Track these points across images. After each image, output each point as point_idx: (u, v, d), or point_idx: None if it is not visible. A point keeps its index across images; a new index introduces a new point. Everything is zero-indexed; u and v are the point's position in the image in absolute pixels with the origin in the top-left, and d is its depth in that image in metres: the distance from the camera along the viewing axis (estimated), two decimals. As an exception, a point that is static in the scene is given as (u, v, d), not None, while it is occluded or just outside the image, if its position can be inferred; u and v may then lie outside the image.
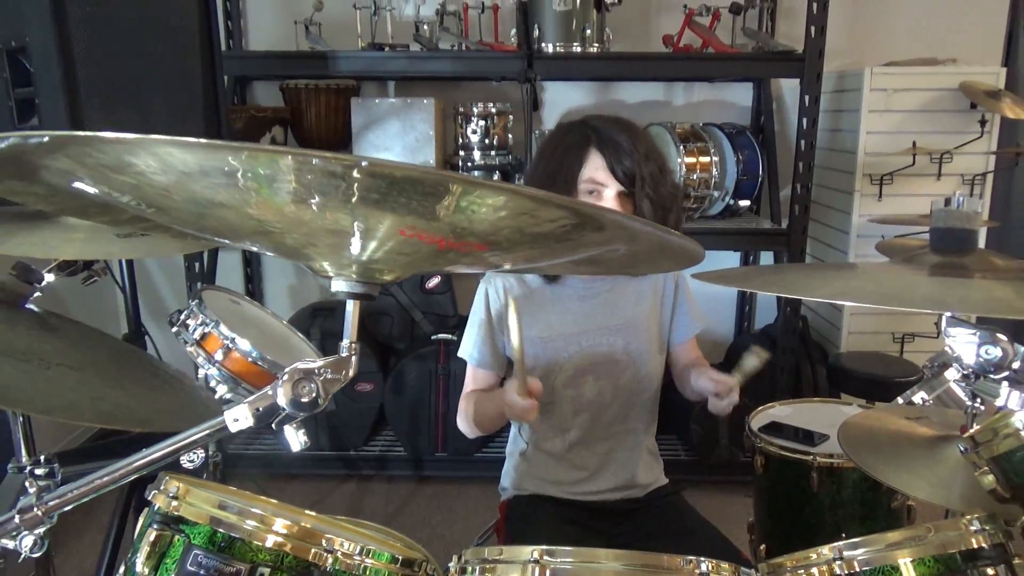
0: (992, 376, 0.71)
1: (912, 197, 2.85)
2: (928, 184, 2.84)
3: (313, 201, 0.56)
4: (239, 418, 0.62)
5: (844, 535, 1.75)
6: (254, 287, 3.43)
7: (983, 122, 2.67)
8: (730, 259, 3.42)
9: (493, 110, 2.85)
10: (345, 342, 0.69)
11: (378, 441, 3.15)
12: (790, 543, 1.87)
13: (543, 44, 2.70)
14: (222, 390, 1.67)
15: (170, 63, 1.93)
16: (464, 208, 0.56)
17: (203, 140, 0.52)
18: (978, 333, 0.71)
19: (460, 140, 2.89)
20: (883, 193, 2.85)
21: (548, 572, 0.83)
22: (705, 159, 2.83)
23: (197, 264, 2.88)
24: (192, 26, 1.96)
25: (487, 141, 2.86)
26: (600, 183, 1.46)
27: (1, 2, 1.74)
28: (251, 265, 3.41)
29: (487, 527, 2.30)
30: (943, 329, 0.70)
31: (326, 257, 0.66)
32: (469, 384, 1.65)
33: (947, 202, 0.79)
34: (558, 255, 0.73)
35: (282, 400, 0.62)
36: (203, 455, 1.54)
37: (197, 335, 1.63)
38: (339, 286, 0.70)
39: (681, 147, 2.80)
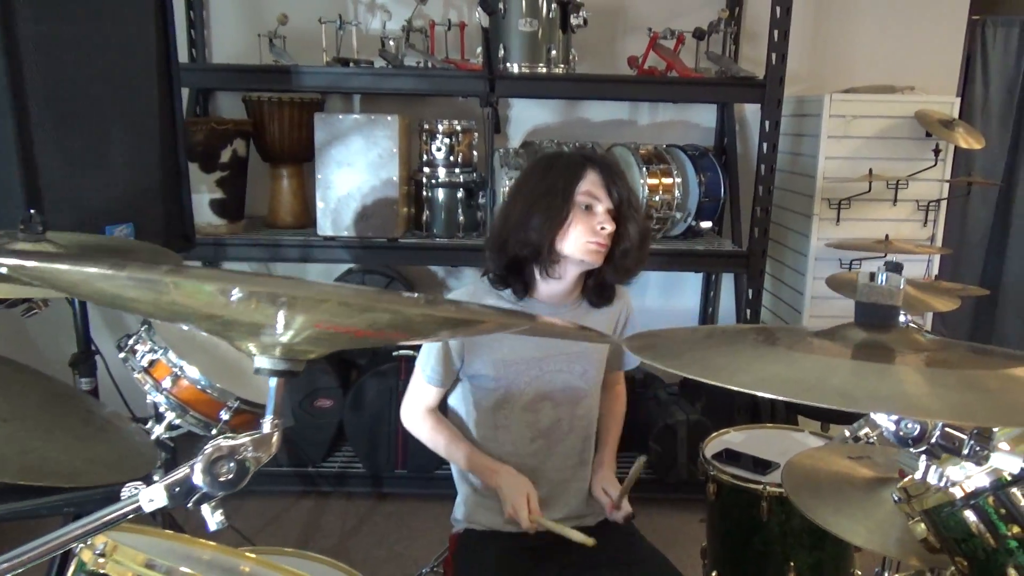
0: (911, 449, 0.73)
1: (869, 222, 2.90)
2: (884, 209, 2.90)
3: (231, 306, 0.55)
4: (154, 498, 0.61)
5: (792, 564, 1.78)
6: (214, 299, 3.38)
7: (937, 151, 2.73)
8: (692, 280, 3.46)
9: (458, 127, 2.84)
10: (268, 418, 0.67)
11: (337, 457, 3.12)
12: (740, 570, 1.90)
13: (508, 64, 2.70)
14: (171, 416, 1.65)
15: (126, 80, 1.90)
16: (379, 311, 0.57)
17: (121, 271, 0.52)
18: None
19: (425, 156, 2.88)
20: (841, 217, 2.90)
21: None
22: (668, 180, 2.85)
23: (154, 277, 2.83)
24: (149, 41, 1.93)
25: (452, 158, 2.86)
26: (596, 197, 1.53)
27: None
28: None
29: (436, 559, 2.30)
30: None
31: (247, 340, 0.66)
32: (416, 396, 1.69)
33: (871, 277, 0.80)
34: (481, 332, 0.73)
35: (199, 479, 0.60)
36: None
37: (145, 362, 1.61)
38: (261, 363, 0.69)
39: (644, 168, 2.82)
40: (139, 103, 1.94)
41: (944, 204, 2.90)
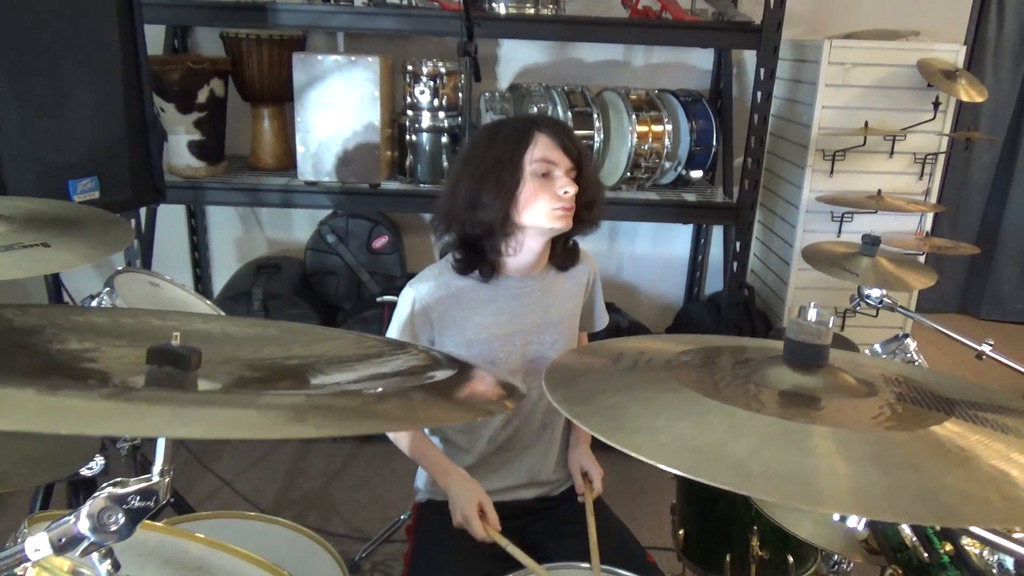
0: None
1: (864, 174, 2.83)
2: (880, 162, 2.82)
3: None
4: (39, 548, 0.59)
5: (756, 527, 1.80)
6: (199, 239, 3.36)
7: (936, 104, 2.63)
8: (682, 234, 3.41)
9: (443, 69, 2.75)
10: (156, 467, 0.64)
11: (323, 400, 3.15)
12: (706, 532, 1.92)
13: (495, 4, 2.59)
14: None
15: (84, 26, 1.82)
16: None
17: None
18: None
19: (408, 99, 2.79)
20: (835, 169, 2.82)
21: None
22: (658, 128, 2.77)
23: (133, 220, 2.80)
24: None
25: (436, 102, 2.77)
26: (553, 161, 1.46)
27: None
28: (195, 217, 3.32)
29: (394, 524, 2.33)
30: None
31: None
32: None
33: (800, 312, 0.76)
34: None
35: (84, 528, 0.58)
36: (102, 462, 1.52)
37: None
38: None
39: (634, 115, 2.74)
40: (100, 49, 1.86)
41: (942, 158, 2.81)
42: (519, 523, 1.59)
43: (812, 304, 0.75)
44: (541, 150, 1.46)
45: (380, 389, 0.63)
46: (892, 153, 2.80)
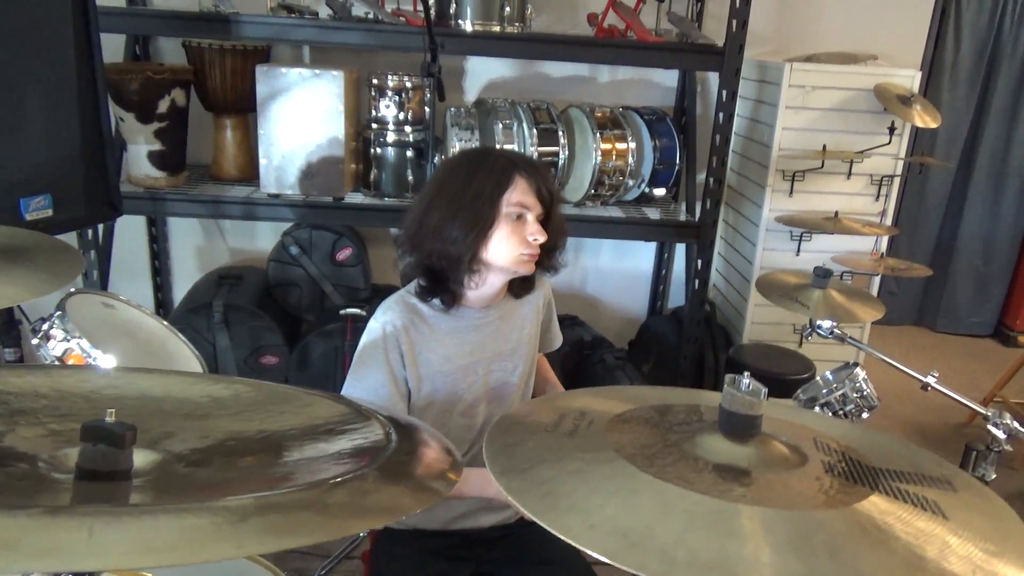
0: None
1: (822, 195, 2.88)
2: (838, 183, 2.88)
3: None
4: None
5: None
6: (159, 248, 3.31)
7: (892, 129, 2.69)
8: (646, 248, 3.44)
9: (408, 84, 2.74)
10: None
11: (284, 413, 3.12)
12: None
13: (461, 21, 2.59)
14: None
15: (37, 39, 1.78)
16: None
17: None
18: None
19: (374, 112, 2.78)
20: (794, 189, 2.87)
21: None
22: (622, 146, 2.80)
23: (90, 231, 2.75)
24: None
25: (401, 115, 2.77)
26: (527, 207, 1.46)
27: None
28: (156, 225, 3.28)
29: (352, 541, 2.30)
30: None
31: None
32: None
33: (733, 381, 0.78)
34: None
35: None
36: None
37: (58, 351, 1.57)
38: None
39: (598, 133, 2.76)
40: (54, 63, 1.82)
41: (898, 180, 2.88)
42: (475, 552, 1.60)
43: (746, 374, 0.77)
44: (519, 194, 1.46)
45: (335, 478, 0.61)
46: (850, 175, 2.86)
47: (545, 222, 1.52)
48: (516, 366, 1.66)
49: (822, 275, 1.71)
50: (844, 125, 2.79)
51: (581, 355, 3.21)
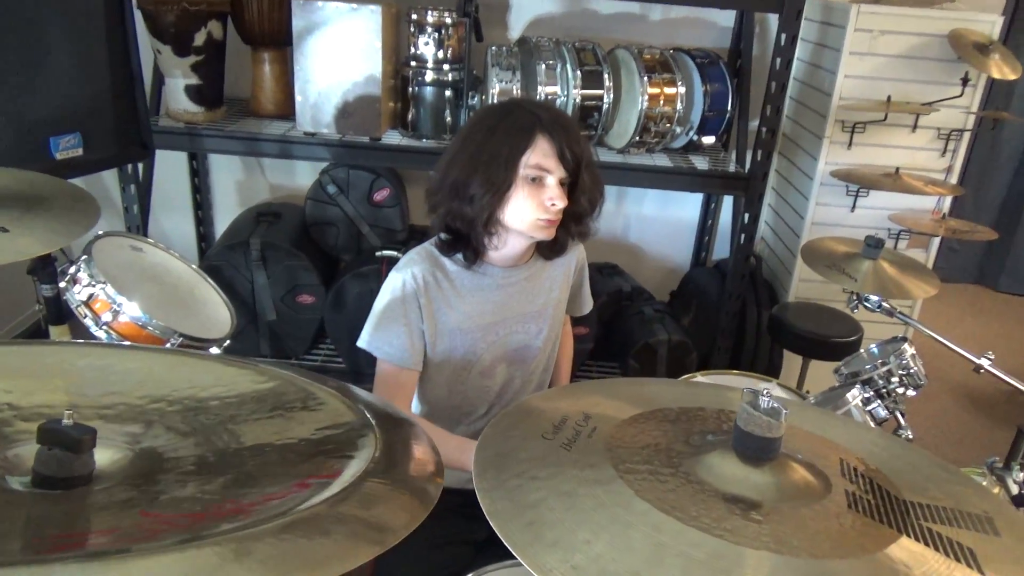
0: None
1: (884, 148, 2.71)
2: (902, 136, 2.70)
3: None
4: None
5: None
6: (200, 183, 3.31)
7: (965, 80, 2.49)
8: (692, 197, 3.31)
9: (448, 20, 2.63)
10: None
11: (320, 351, 3.15)
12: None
13: (504, -47, 2.46)
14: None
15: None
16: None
17: None
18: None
19: (412, 49, 2.69)
20: (854, 142, 2.70)
21: None
22: (671, 91, 2.65)
23: (129, 166, 2.75)
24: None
25: (440, 54, 2.67)
26: (546, 169, 1.39)
27: None
28: (197, 160, 3.27)
29: None
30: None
31: None
32: (396, 391, 1.49)
33: (755, 404, 0.71)
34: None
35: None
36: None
37: (84, 296, 1.57)
38: None
39: (646, 77, 2.62)
40: (80, 1, 1.78)
41: (967, 135, 2.68)
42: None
43: (765, 391, 0.70)
44: (538, 156, 1.38)
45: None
46: (915, 128, 2.67)
47: (571, 186, 1.44)
48: (540, 330, 1.61)
49: (874, 245, 1.60)
50: (912, 74, 2.60)
51: (619, 305, 3.15)
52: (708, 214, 3.32)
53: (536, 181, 1.40)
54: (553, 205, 1.39)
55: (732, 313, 2.90)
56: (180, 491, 0.54)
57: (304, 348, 3.10)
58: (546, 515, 0.61)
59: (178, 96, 2.70)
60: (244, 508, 0.52)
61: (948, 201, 2.79)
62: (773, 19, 2.88)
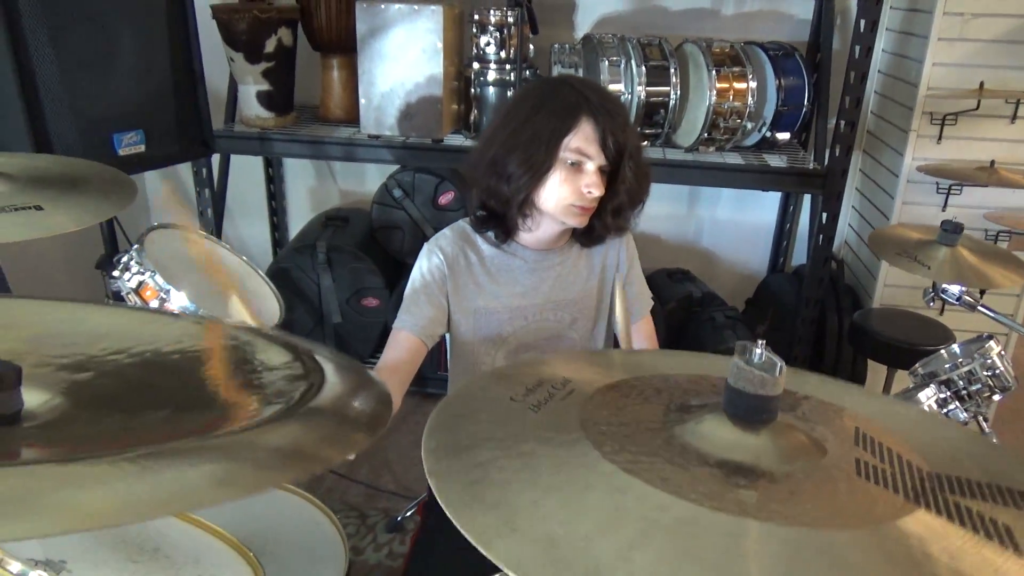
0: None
1: (978, 142, 2.50)
2: (999, 128, 2.48)
3: None
4: None
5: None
6: (275, 188, 3.40)
7: (1070, 63, 2.27)
8: (769, 200, 3.16)
9: (511, 19, 2.60)
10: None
11: (385, 354, 3.16)
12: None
13: (565, -52, 2.42)
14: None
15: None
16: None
17: None
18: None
19: (475, 51, 2.68)
20: (944, 135, 2.51)
21: None
22: (741, 85, 2.54)
23: (205, 169, 2.84)
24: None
25: (503, 54, 2.64)
26: (587, 155, 1.33)
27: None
28: (272, 166, 3.36)
29: (414, 504, 2.35)
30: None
31: None
32: (390, 350, 1.48)
33: (746, 353, 0.62)
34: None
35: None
36: None
37: (133, 283, 1.60)
38: None
39: (714, 71, 2.51)
40: (144, 4, 1.84)
41: (1076, 124, 2.44)
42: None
43: (760, 342, 0.61)
44: (580, 140, 1.32)
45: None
46: (1014, 118, 2.45)
47: (613, 176, 1.37)
48: (575, 319, 1.54)
49: (951, 230, 1.45)
50: (1009, 60, 2.39)
51: (689, 312, 3.02)
52: (786, 217, 3.16)
53: (575, 166, 1.34)
54: (589, 193, 1.32)
55: (809, 320, 2.73)
56: (108, 427, 0.52)
57: (369, 350, 3.11)
58: (493, 475, 0.54)
59: (250, 102, 2.78)
60: (167, 437, 0.49)
61: (1054, 200, 2.55)
62: (853, 9, 2.73)
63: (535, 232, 1.44)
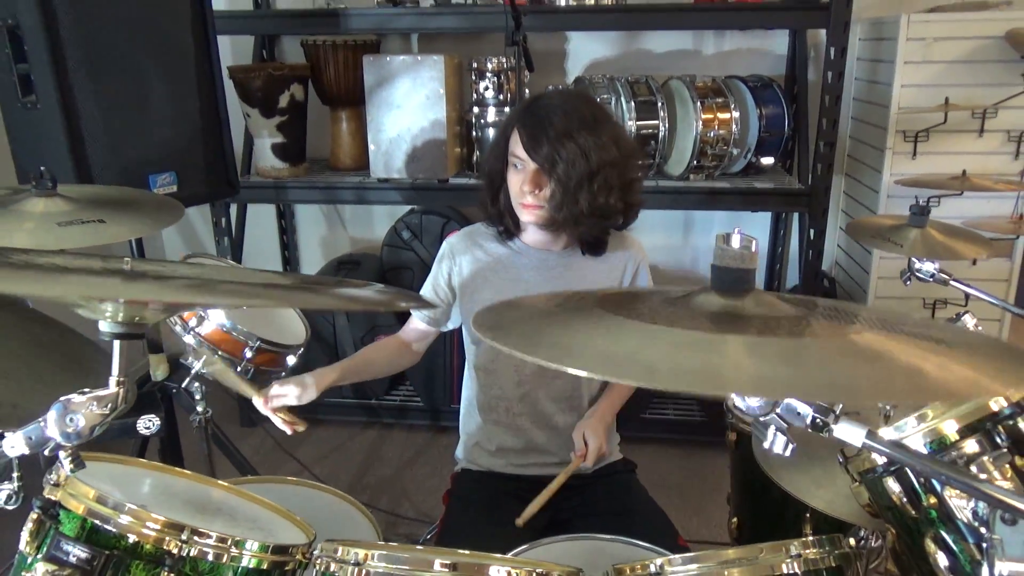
0: (760, 420, 0.69)
1: (950, 155, 2.67)
2: (968, 141, 2.65)
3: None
4: (15, 445, 0.68)
5: (809, 515, 1.73)
6: (288, 238, 3.55)
7: (1027, 75, 2.46)
8: (760, 225, 3.31)
9: (507, 65, 2.80)
10: (112, 378, 0.71)
11: (399, 392, 3.26)
12: (758, 519, 1.87)
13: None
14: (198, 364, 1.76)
15: (160, 31, 1.99)
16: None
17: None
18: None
19: (475, 96, 2.87)
20: (917, 151, 2.67)
21: (365, 572, 0.88)
22: (725, 115, 2.72)
23: (224, 219, 3.00)
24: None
25: (501, 97, 2.83)
26: (521, 158, 1.50)
27: (-2, -21, 1.83)
28: (284, 217, 3.52)
29: (433, 527, 2.42)
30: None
31: (85, 310, 0.70)
32: (402, 329, 1.77)
33: (726, 239, 0.75)
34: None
35: (51, 430, 0.67)
36: (158, 422, 1.65)
37: (173, 303, 1.73)
38: (104, 328, 0.73)
39: (699, 103, 2.69)
40: (175, 54, 2.03)
41: (1040, 135, 2.61)
42: (551, 500, 1.60)
43: (736, 229, 0.74)
44: (514, 145, 1.50)
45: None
46: (982, 131, 2.63)
47: (554, 182, 1.46)
48: None
49: (918, 212, 1.59)
50: (972, 78, 2.58)
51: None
52: (778, 241, 3.31)
53: (517, 168, 1.50)
54: (525, 191, 1.47)
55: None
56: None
57: (384, 389, 3.22)
58: (542, 331, 0.67)
59: (265, 154, 2.96)
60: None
61: (1029, 207, 2.69)
62: (824, 41, 2.93)
63: (527, 231, 1.59)
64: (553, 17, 2.63)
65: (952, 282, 1.55)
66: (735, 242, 0.74)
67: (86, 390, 0.69)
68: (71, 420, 0.67)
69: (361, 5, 2.77)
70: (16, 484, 1.16)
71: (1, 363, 1.01)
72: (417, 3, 2.81)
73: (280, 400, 1.48)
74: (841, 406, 0.66)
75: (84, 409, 0.67)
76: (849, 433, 0.66)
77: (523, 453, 1.66)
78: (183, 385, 1.82)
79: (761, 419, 0.68)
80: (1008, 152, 2.65)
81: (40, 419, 0.67)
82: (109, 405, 0.69)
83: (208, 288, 0.66)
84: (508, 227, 1.59)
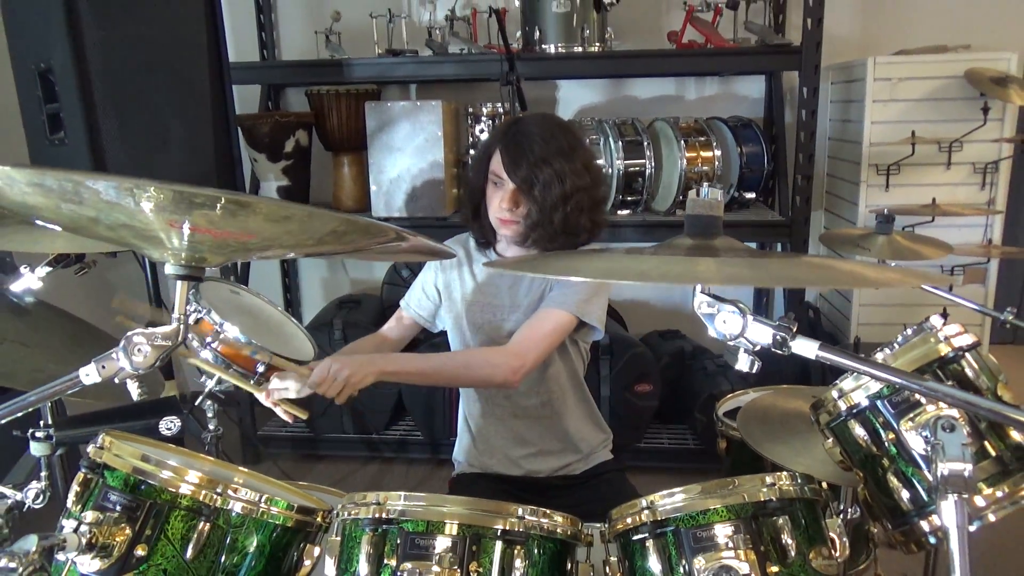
0: (730, 344, 0.80)
1: (921, 187, 2.83)
2: (937, 173, 2.82)
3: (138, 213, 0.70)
4: (89, 374, 0.78)
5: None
6: (291, 281, 3.67)
7: (985, 110, 2.63)
8: (741, 251, 3.45)
9: (500, 110, 2.97)
10: (174, 314, 0.82)
11: (399, 426, 3.33)
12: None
13: (544, 46, 2.81)
14: (213, 380, 1.86)
15: (180, 76, 2.14)
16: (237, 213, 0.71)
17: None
18: (718, 306, 0.80)
19: (471, 139, 3.03)
20: (890, 183, 2.83)
21: (384, 512, 0.98)
22: (707, 153, 2.88)
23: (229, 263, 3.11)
24: (199, 41, 2.17)
25: (496, 139, 2.99)
26: (501, 177, 1.62)
27: (32, 26, 1.98)
28: (287, 262, 3.64)
29: None
30: (693, 303, 0.80)
31: (155, 250, 0.80)
32: (389, 322, 1.92)
33: (697, 193, 0.88)
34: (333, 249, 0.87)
35: (122, 360, 0.76)
36: (179, 424, 1.73)
37: (192, 319, 1.83)
38: (169, 270, 0.83)
39: (683, 142, 2.86)
40: (193, 96, 2.17)
41: (1004, 165, 2.78)
42: (544, 498, 1.68)
43: (705, 184, 0.86)
44: (494, 164, 1.62)
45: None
46: (949, 164, 2.79)
47: (530, 199, 1.58)
48: (519, 321, 1.69)
49: (884, 220, 1.72)
50: (936, 115, 2.75)
51: (683, 365, 3.23)
52: (763, 275, 3.43)
53: (496, 185, 1.63)
54: (503, 207, 1.59)
55: (793, 362, 2.94)
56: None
57: (384, 423, 3.28)
58: (551, 262, 0.81)
59: (271, 197, 3.10)
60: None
61: (998, 233, 2.84)
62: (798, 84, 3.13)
63: (502, 242, 1.72)
64: (544, 64, 2.81)
65: (924, 288, 1.67)
66: (704, 193, 0.87)
67: (152, 327, 0.79)
68: (139, 350, 0.77)
69: (363, 56, 2.94)
70: (44, 483, 1.25)
71: (44, 347, 1.11)
72: (416, 53, 2.99)
73: (280, 393, 1.57)
74: (796, 326, 0.77)
75: (149, 342, 0.77)
76: (804, 347, 0.77)
77: (513, 452, 1.74)
78: (196, 403, 1.92)
79: (731, 343, 0.79)
80: (975, 183, 2.81)
81: (113, 352, 0.76)
82: (173, 340, 0.79)
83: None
84: (488, 238, 1.72)
